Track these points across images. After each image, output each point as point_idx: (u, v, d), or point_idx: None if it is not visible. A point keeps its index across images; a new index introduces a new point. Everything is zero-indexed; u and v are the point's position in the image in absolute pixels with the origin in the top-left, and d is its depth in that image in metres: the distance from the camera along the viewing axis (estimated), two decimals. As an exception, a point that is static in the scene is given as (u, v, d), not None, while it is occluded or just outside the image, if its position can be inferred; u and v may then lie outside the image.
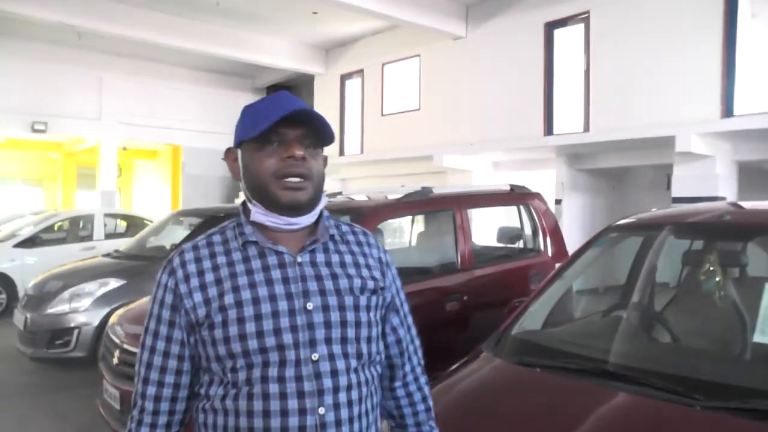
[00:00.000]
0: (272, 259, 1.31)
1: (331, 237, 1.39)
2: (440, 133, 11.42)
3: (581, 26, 9.64)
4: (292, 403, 1.24)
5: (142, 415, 1.32)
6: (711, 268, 2.58)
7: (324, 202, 1.38)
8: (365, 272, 1.39)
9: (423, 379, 1.56)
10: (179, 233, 6.97)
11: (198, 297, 1.29)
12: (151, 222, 9.17)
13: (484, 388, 2.40)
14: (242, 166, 1.34)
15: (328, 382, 1.27)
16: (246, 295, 1.27)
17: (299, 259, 1.32)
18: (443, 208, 5.02)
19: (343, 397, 1.28)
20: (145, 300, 4.66)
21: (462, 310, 4.49)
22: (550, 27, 10.08)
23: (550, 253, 5.66)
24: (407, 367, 1.53)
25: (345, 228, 1.46)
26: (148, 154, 17.68)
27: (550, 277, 3.16)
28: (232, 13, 11.84)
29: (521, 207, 5.73)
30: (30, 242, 9.36)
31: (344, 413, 1.28)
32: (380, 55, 13.39)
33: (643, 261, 3.07)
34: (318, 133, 1.32)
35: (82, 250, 9.24)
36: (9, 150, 16.92)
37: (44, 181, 20.22)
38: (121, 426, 3.88)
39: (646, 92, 8.56)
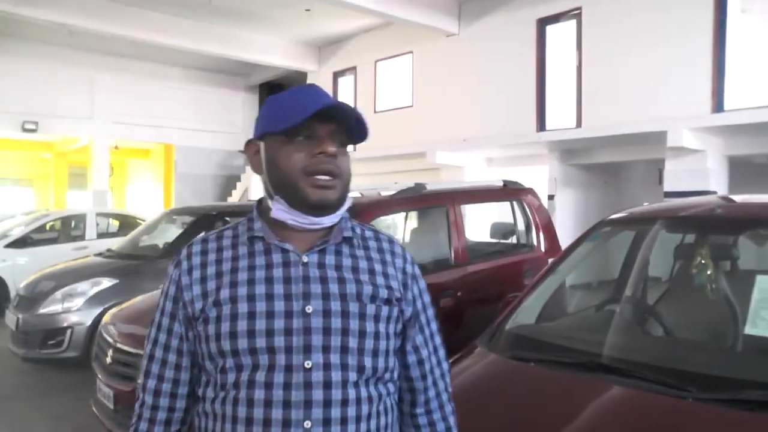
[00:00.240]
0: (276, 257, 1.25)
1: (347, 239, 1.31)
2: (433, 130, 11.43)
3: (573, 22, 9.66)
4: (277, 413, 1.15)
5: (142, 408, 1.30)
6: (703, 262, 2.60)
7: (349, 203, 1.30)
8: (380, 280, 1.29)
9: (449, 408, 1.42)
10: (172, 232, 6.96)
11: (197, 289, 1.25)
12: (144, 221, 9.14)
13: (479, 383, 2.40)
14: (265, 160, 1.28)
15: (318, 394, 1.17)
16: (242, 291, 1.21)
17: (305, 259, 1.25)
18: (437, 204, 5.02)
19: (335, 412, 1.17)
20: (138, 299, 4.65)
21: (456, 305, 4.49)
22: (542, 23, 10.09)
23: (543, 249, 5.68)
24: (431, 393, 1.39)
25: (368, 233, 1.37)
26: (141, 153, 17.63)
27: (543, 271, 3.17)
28: (225, 11, 11.81)
29: (514, 203, 5.74)
30: (21, 242, 9.31)
31: (335, 431, 1.18)
32: (373, 52, 13.38)
33: (636, 255, 3.09)
34: (348, 130, 1.26)
35: (74, 249, 9.20)
36: (-1, 150, 16.86)
37: (35, 181, 20.11)
38: (116, 425, 3.88)
39: (637, 88, 8.59)
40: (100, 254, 6.78)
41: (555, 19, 9.95)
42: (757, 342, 2.21)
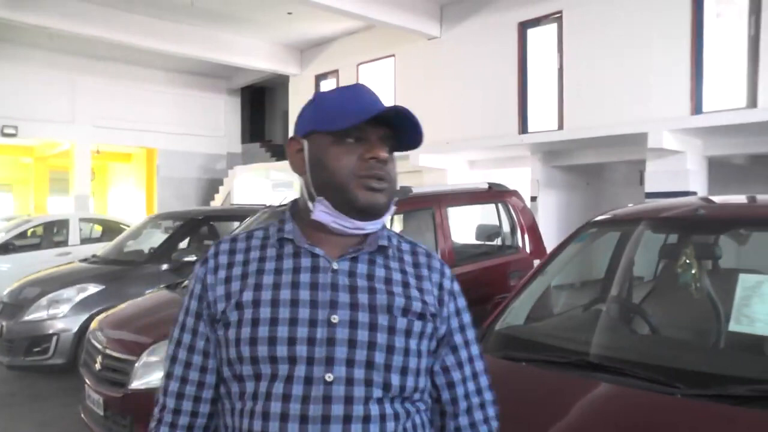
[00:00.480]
0: (305, 261, 1.18)
1: (381, 248, 1.23)
2: (416, 133, 11.46)
3: (554, 26, 9.78)
4: (293, 428, 1.08)
5: (163, 413, 1.22)
6: (687, 261, 2.66)
7: (393, 210, 1.24)
8: (414, 293, 1.21)
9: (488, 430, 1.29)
10: (157, 237, 6.93)
11: (220, 290, 1.19)
12: (128, 226, 9.08)
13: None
14: (310, 159, 1.21)
15: (338, 409, 1.09)
16: (266, 295, 1.15)
17: (335, 266, 1.18)
18: (423, 207, 5.07)
19: (356, 429, 1.09)
20: (126, 305, 4.64)
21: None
22: (524, 27, 10.21)
23: (528, 250, 5.75)
24: (462, 421, 1.27)
25: (405, 245, 1.29)
26: (123, 157, 17.50)
27: (532, 272, 3.22)
28: (207, 13, 11.79)
29: (499, 205, 5.81)
30: (3, 249, 9.18)
31: None
32: (355, 55, 13.42)
33: (622, 255, 3.15)
34: (399, 135, 1.21)
35: (57, 255, 9.11)
36: (-22, 155, 16.66)
37: (15, 186, 19.88)
38: (105, 431, 3.86)
39: (618, 90, 8.73)
40: (85, 260, 6.74)
41: (536, 22, 10.07)
42: (741, 339, 2.28)
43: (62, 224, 9.88)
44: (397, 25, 10.90)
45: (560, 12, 9.61)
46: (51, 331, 5.69)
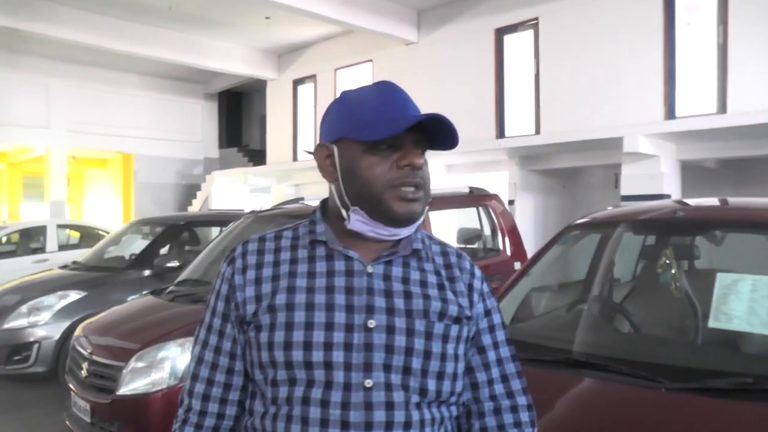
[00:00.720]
0: (339, 265, 1.16)
1: (415, 251, 1.21)
2: (394, 138, 11.54)
3: (531, 32, 9.95)
4: None
5: (188, 414, 1.20)
6: (667, 262, 2.76)
7: (426, 212, 1.21)
8: (449, 296, 1.20)
9: None
10: (139, 243, 6.90)
11: (250, 291, 1.16)
12: (107, 232, 9.02)
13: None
14: (341, 167, 1.17)
15: (380, 415, 1.08)
16: (300, 298, 1.13)
17: (370, 269, 1.16)
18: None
19: None
20: (111, 311, 4.61)
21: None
22: (500, 33, 10.36)
23: (509, 253, 5.85)
24: (489, 422, 1.23)
25: (435, 246, 1.28)
26: (99, 162, 17.31)
27: (516, 274, 3.30)
28: (185, 18, 11.75)
29: (480, 208, 5.91)
30: (-23, 256, 9.10)
31: None
32: (333, 60, 13.47)
33: (603, 257, 3.25)
34: (432, 137, 1.18)
35: (35, 262, 9.00)
36: (-52, 161, 16.38)
37: (-13, 193, 19.57)
38: (92, 438, 3.84)
39: (594, 95, 8.91)
40: (65, 266, 6.68)
41: (513, 29, 10.23)
42: (720, 335, 2.38)
43: (39, 231, 9.77)
44: (375, 31, 10.99)
45: (536, 19, 9.78)
46: (32, 339, 5.63)
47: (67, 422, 4.12)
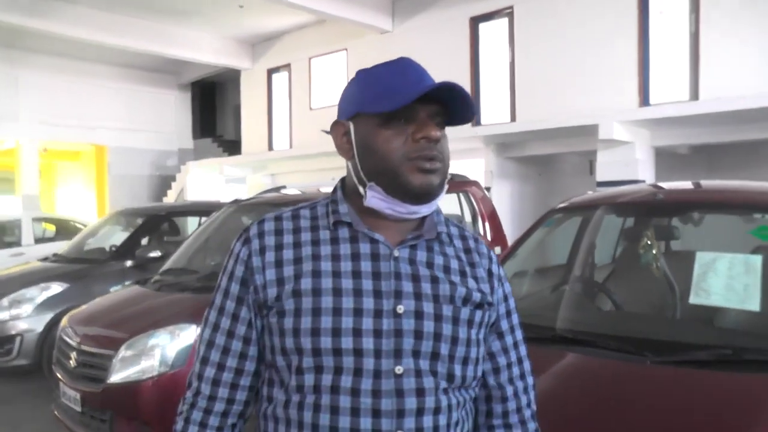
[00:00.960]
0: (365, 247, 1.13)
1: (438, 235, 1.18)
2: (370, 126, 11.59)
3: (505, 20, 10.04)
4: (365, 423, 1.05)
5: (197, 398, 1.17)
6: (649, 242, 2.88)
7: (445, 190, 1.17)
8: (471, 283, 1.18)
9: (531, 426, 1.27)
10: (118, 234, 6.87)
11: (271, 274, 1.11)
12: (84, 225, 8.93)
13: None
14: (357, 143, 1.14)
15: (411, 402, 1.07)
16: (327, 283, 1.09)
17: (396, 253, 1.13)
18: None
19: (428, 421, 1.08)
20: (96, 301, 4.62)
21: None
22: (475, 21, 10.44)
23: (489, 238, 5.96)
24: (510, 405, 1.25)
25: (453, 229, 1.24)
26: (71, 155, 17.04)
27: (502, 256, 3.39)
28: (156, 7, 11.62)
29: (461, 195, 6.00)
30: (-50, 251, 8.95)
31: None
32: (307, 49, 13.44)
33: (585, 238, 3.35)
34: (450, 109, 1.14)
35: (11, 256, 8.89)
36: None
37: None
38: (83, 428, 3.85)
39: (569, 83, 9.06)
40: (45, 259, 6.63)
41: (488, 17, 10.32)
42: (697, 311, 2.50)
43: (14, 224, 9.64)
44: (349, 19, 11.00)
45: (511, 7, 9.88)
46: (14, 332, 5.58)
47: (56, 413, 4.12)
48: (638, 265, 3.04)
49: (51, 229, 10.31)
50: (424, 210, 1.14)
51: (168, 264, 4.93)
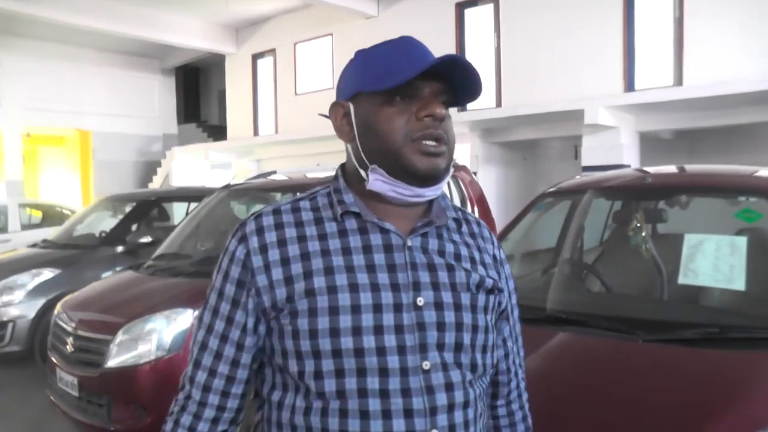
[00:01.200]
0: (375, 238, 1.06)
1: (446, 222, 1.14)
2: (356, 111, 11.61)
3: (491, 6, 10.07)
4: (398, 425, 0.99)
5: (187, 401, 1.11)
6: (638, 225, 2.97)
7: (451, 173, 1.11)
8: (481, 269, 1.14)
9: (525, 396, 1.30)
10: (108, 220, 6.86)
11: (277, 273, 1.04)
12: (71, 211, 8.89)
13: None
14: (358, 124, 1.08)
15: (442, 398, 1.02)
16: (341, 279, 1.02)
17: (409, 243, 1.07)
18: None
19: (459, 417, 1.04)
20: (91, 286, 4.63)
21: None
22: (461, 7, 10.47)
23: (478, 222, 6.03)
24: (513, 384, 1.26)
25: (458, 214, 1.19)
26: (55, 140, 16.81)
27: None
28: (141, -9, 11.49)
29: (450, 179, 6.06)
30: (-66, 238, 8.87)
31: None
32: (292, 34, 13.38)
33: (574, 222, 3.44)
34: (455, 88, 1.08)
35: (-2, 242, 8.86)
36: None
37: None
38: (80, 412, 3.88)
39: (554, 69, 9.14)
40: (35, 245, 6.61)
41: (473, 2, 10.36)
42: (688, 290, 2.60)
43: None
44: (334, 4, 10.99)
45: (497, -7, 9.91)
46: (5, 319, 5.56)
47: (52, 398, 4.14)
48: (627, 247, 3.14)
49: (37, 215, 10.24)
50: (429, 193, 1.08)
51: (161, 249, 4.96)
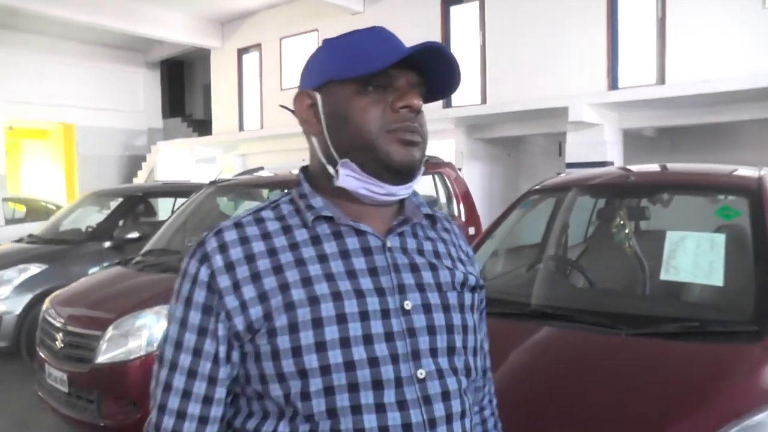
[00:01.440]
0: (352, 242, 0.98)
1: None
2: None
3: (476, 4, 10.13)
4: None
5: None
6: (622, 222, 3.05)
7: (423, 170, 1.04)
8: (460, 266, 1.08)
9: (495, 401, 1.25)
10: (95, 215, 6.85)
11: (249, 291, 0.93)
12: (56, 206, 8.84)
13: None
14: (327, 114, 1.00)
15: (439, 409, 0.95)
16: (322, 289, 0.93)
17: (389, 243, 1.00)
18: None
19: (457, 427, 0.98)
20: (79, 282, 4.64)
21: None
22: (447, 4, 10.52)
23: (463, 218, 6.11)
24: (486, 388, 1.21)
25: (431, 210, 1.12)
26: (38, 133, 16.64)
27: (480, 237, 3.53)
28: (125, -16, 11.40)
29: (435, 176, 6.14)
30: None
31: None
32: (278, 29, 13.36)
33: (559, 218, 3.51)
34: (429, 81, 1.02)
35: (-20, 238, 8.76)
36: None
37: None
38: (69, 408, 3.88)
39: (539, 66, 9.23)
40: (20, 240, 6.58)
41: (459, 0, 10.38)
42: (669, 286, 2.68)
43: (-19, 206, 9.49)
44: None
45: (483, -10, 9.97)
46: (-9, 314, 5.57)
47: (40, 394, 4.14)
48: (610, 244, 3.21)
49: (21, 209, 10.15)
50: (402, 192, 1.02)
51: (149, 245, 4.97)
